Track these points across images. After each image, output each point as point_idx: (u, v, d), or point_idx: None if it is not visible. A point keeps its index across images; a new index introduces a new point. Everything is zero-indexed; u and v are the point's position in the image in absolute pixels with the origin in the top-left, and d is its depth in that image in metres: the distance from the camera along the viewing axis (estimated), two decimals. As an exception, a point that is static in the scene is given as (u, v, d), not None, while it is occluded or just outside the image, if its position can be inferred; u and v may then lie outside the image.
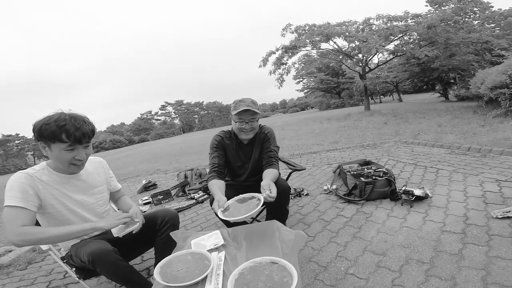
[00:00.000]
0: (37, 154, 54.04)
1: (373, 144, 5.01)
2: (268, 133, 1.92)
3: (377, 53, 13.01)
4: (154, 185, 5.02)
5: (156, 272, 1.01)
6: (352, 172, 2.76)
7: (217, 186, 1.61)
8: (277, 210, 1.75)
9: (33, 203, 1.22)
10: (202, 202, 3.29)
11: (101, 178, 1.53)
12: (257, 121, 1.83)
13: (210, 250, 1.15)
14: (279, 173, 1.84)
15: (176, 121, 68.57)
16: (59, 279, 2.04)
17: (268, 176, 1.64)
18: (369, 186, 2.34)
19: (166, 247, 1.44)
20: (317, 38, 12.44)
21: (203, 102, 70.34)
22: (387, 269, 1.47)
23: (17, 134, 51.19)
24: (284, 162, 2.38)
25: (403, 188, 2.21)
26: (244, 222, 1.85)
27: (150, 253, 1.72)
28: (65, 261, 1.45)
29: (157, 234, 1.52)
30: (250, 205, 1.33)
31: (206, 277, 0.96)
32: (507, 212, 1.73)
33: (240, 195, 1.45)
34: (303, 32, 13.35)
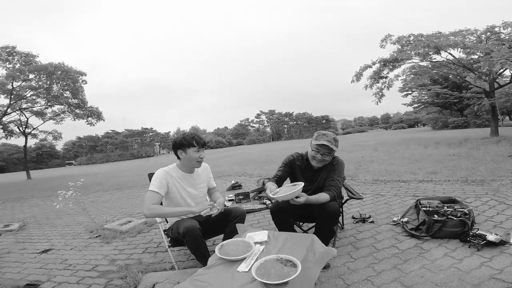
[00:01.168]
0: (162, 145, 68.65)
1: (480, 181, 4.16)
2: (336, 164, 2.17)
3: (505, 69, 10.12)
4: (239, 186, 5.84)
5: (217, 247, 1.49)
6: (428, 208, 2.57)
7: (271, 184, 2.08)
8: (322, 228, 1.99)
9: (164, 190, 1.99)
10: (271, 208, 3.73)
11: (205, 178, 2.25)
12: (331, 156, 2.10)
13: (256, 243, 1.55)
14: (334, 198, 2.04)
15: (268, 129, 72.60)
16: (153, 247, 2.84)
17: (315, 196, 1.94)
18: (438, 224, 2.18)
19: (231, 234, 1.92)
20: (425, 50, 10.67)
21: (293, 112, 71.50)
22: None
23: (151, 128, 66.65)
24: (345, 188, 2.52)
25: (475, 231, 2.00)
26: (289, 226, 2.16)
27: (219, 239, 2.24)
28: (165, 232, 2.17)
29: (228, 224, 2.05)
30: (293, 189, 1.77)
31: (244, 258, 1.38)
32: None
33: (286, 185, 1.95)
34: (407, 43, 11.71)
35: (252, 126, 74.92)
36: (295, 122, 71.96)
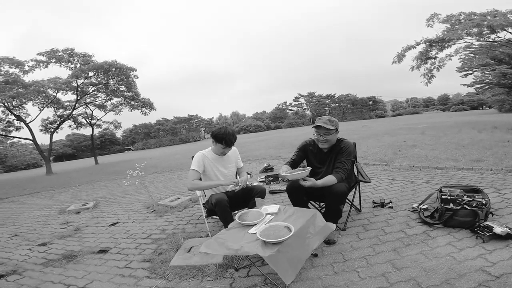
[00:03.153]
0: (206, 130, 73.00)
1: (527, 171, 3.82)
2: (343, 147, 2.38)
3: None
4: (271, 169, 6.26)
5: (237, 215, 1.93)
6: (447, 196, 2.61)
7: (286, 166, 2.42)
8: (330, 207, 2.26)
9: (201, 169, 2.52)
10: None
11: (233, 159, 2.73)
12: (331, 135, 2.34)
13: (268, 213, 1.95)
14: (342, 180, 2.26)
15: (307, 112, 70.91)
16: (194, 219, 3.42)
17: (323, 179, 2.19)
18: (448, 212, 2.26)
19: (253, 207, 2.32)
20: (479, 29, 9.39)
21: (335, 94, 68.16)
22: (385, 279, 1.69)
23: (196, 115, 70.92)
24: (359, 171, 2.70)
25: (484, 223, 2.03)
26: (303, 203, 2.48)
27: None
28: (204, 205, 2.67)
29: (251, 199, 2.47)
30: (300, 171, 2.11)
31: (255, 224, 1.78)
32: None
33: (299, 167, 2.27)
34: (457, 21, 10.50)
35: (291, 110, 73.94)
36: (337, 104, 68.72)
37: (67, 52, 16.22)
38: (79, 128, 21.49)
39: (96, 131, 24.68)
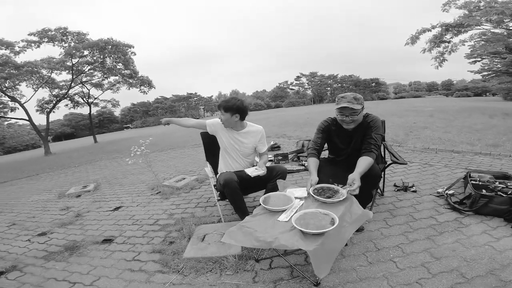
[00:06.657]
0: (206, 108, 72.13)
1: (550, 158, 3.67)
2: (372, 121, 2.07)
3: None
4: (278, 147, 6.02)
5: (261, 198, 1.72)
6: (477, 182, 2.46)
7: (314, 165, 2.06)
8: (361, 191, 1.98)
9: (210, 129, 2.45)
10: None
11: (252, 140, 2.46)
12: (358, 114, 2.01)
13: (296, 198, 1.73)
14: (376, 158, 1.99)
15: (309, 91, 69.82)
16: (203, 202, 3.19)
17: (360, 166, 1.84)
18: (484, 199, 2.11)
19: (273, 190, 2.08)
20: (498, 17, 9.01)
21: (337, 75, 66.45)
22: (426, 270, 1.56)
23: (195, 93, 69.56)
24: (389, 152, 2.50)
25: None
26: None
27: (260, 195, 2.45)
28: (215, 186, 2.49)
29: (270, 181, 2.25)
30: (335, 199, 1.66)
31: (284, 210, 1.59)
32: None
33: (328, 185, 1.85)
34: (476, 8, 10.11)
35: (292, 89, 72.62)
36: (339, 85, 67.27)
37: (60, 31, 15.55)
38: (76, 107, 21.09)
39: (94, 109, 24.19)
